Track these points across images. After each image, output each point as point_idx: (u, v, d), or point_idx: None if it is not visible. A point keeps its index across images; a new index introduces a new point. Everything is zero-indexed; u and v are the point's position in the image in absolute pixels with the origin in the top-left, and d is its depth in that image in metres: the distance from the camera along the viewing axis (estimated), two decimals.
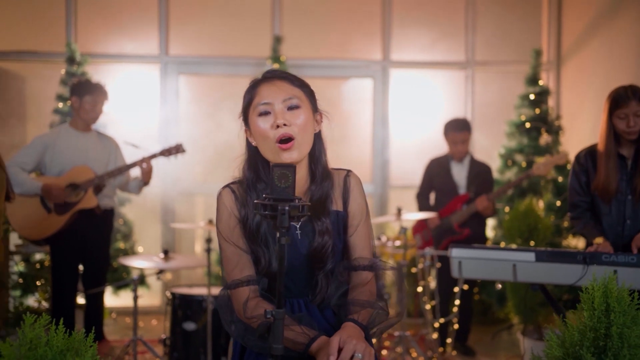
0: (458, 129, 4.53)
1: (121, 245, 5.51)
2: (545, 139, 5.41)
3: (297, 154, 1.70)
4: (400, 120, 6.21)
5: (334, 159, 6.46)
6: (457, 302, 4.17)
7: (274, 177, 1.48)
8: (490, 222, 5.69)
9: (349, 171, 1.87)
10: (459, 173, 4.60)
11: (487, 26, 6.26)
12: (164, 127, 5.87)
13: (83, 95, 4.03)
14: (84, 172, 3.98)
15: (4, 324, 4.58)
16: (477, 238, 4.45)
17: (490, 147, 6.00)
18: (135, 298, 3.88)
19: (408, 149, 6.18)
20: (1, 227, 2.78)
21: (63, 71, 5.48)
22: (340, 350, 1.56)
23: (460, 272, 2.76)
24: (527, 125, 5.34)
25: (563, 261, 2.65)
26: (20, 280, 5.01)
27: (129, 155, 4.35)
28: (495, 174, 5.30)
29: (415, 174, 5.92)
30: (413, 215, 4.26)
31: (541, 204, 5.28)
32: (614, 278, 1.68)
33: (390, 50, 6.18)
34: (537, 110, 5.35)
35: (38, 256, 5.17)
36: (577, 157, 3.16)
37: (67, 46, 5.51)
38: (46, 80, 5.82)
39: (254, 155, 1.78)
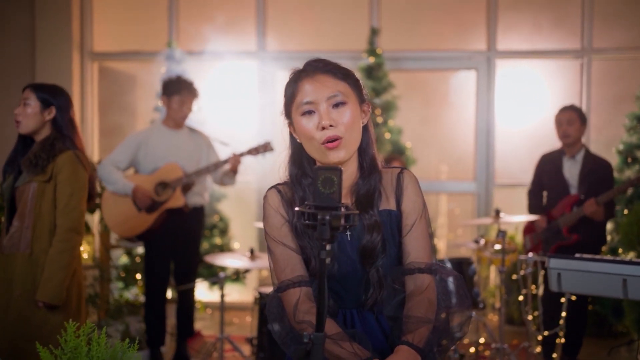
0: (564, 109, 4.18)
1: (217, 241, 5.57)
2: None
3: (344, 153, 1.60)
4: (506, 114, 5.84)
5: (435, 155, 6.21)
6: (563, 313, 3.78)
7: (318, 182, 1.31)
8: (610, 227, 5.18)
9: (403, 168, 1.72)
10: (571, 170, 4.16)
11: (606, 9, 5.73)
12: (262, 122, 5.87)
13: (171, 95, 4.07)
14: (173, 171, 4.02)
15: (105, 315, 4.76)
16: (589, 245, 4.02)
17: (608, 143, 5.48)
18: (222, 296, 3.87)
19: (515, 145, 5.81)
20: (75, 229, 2.79)
21: (164, 69, 5.60)
22: None
23: (560, 285, 2.44)
24: None
25: None
26: (122, 274, 5.19)
27: (221, 153, 4.35)
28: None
29: (522, 173, 5.54)
30: (513, 218, 3.92)
31: None
32: None
33: (495, 39, 5.82)
34: None
35: (140, 250, 5.33)
36: None
37: (168, 45, 5.63)
38: (152, 79, 5.99)
39: (298, 151, 1.68)
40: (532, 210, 4.34)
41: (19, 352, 2.59)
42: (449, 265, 3.47)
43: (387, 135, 5.31)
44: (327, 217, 1.25)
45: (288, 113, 1.66)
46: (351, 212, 1.30)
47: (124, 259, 5.41)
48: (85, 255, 4.91)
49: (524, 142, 5.77)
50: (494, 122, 5.81)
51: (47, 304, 2.68)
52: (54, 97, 2.85)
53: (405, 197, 1.67)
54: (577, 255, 2.57)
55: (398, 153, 5.25)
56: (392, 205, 1.66)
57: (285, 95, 1.66)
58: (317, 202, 1.30)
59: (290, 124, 1.67)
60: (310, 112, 1.60)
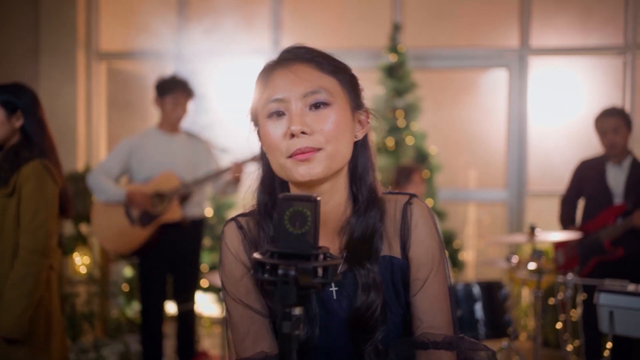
0: (607, 114, 3.74)
1: None
2: None
3: (321, 169, 1.15)
4: (540, 116, 5.44)
5: (463, 161, 5.72)
6: (609, 344, 3.33)
7: (284, 217, 0.91)
8: None
9: (411, 196, 1.25)
10: (616, 178, 3.72)
11: None
12: None
13: (164, 95, 3.80)
14: (169, 180, 3.68)
15: (103, 334, 4.44)
16: (636, 261, 3.57)
17: None
18: (225, 320, 3.50)
19: (550, 150, 5.38)
20: (40, 251, 2.43)
21: (172, 69, 5.31)
22: None
23: (612, 326, 2.01)
24: None
25: None
26: (126, 288, 4.89)
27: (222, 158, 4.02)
28: None
29: (558, 180, 5.11)
30: (550, 236, 3.47)
31: None
32: None
33: (529, 35, 5.42)
34: None
35: None
36: None
37: (175, 44, 5.35)
38: None
39: (270, 171, 1.24)
40: (562, 219, 3.94)
41: None
42: (477, 289, 3.05)
43: (410, 140, 4.90)
44: (292, 273, 0.85)
45: (255, 117, 1.25)
46: (331, 262, 0.90)
47: (127, 272, 5.10)
48: (83, 270, 4.60)
49: (559, 147, 5.34)
50: (527, 125, 5.42)
51: (6, 337, 2.33)
52: (19, 98, 2.51)
53: (414, 239, 1.22)
54: (632, 288, 2.13)
55: (421, 160, 4.83)
56: (395, 251, 1.22)
57: (254, 93, 1.25)
58: (282, 247, 0.90)
59: (259, 133, 1.25)
60: (279, 114, 1.18)
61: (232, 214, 5.36)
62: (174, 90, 3.77)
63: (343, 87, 1.21)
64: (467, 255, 5.47)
